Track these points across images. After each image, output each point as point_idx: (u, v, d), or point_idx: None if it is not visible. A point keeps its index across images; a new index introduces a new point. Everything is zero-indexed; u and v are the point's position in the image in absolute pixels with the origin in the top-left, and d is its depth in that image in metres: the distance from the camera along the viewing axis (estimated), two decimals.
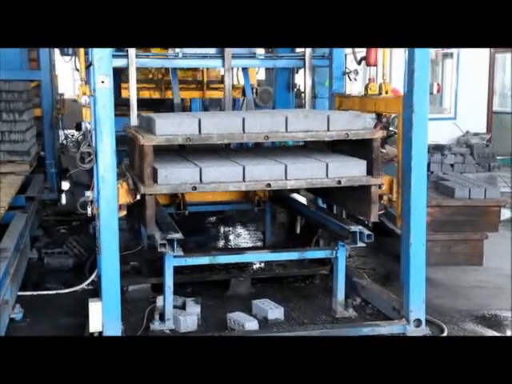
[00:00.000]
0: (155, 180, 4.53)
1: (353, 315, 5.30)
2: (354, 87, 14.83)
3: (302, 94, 6.86)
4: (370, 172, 4.79)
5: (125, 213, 4.72)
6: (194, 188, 4.54)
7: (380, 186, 4.88)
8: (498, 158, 11.10)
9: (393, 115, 8.08)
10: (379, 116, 5.73)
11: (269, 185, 4.66)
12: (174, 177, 4.54)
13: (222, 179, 4.59)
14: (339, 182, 4.74)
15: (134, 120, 5.57)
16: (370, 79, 5.70)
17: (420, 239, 4.85)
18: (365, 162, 4.81)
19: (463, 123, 13.29)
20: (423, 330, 4.91)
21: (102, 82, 4.38)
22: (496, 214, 6.81)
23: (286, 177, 4.67)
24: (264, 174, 4.66)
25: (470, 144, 11.22)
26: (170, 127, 4.58)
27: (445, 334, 5.04)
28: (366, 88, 5.68)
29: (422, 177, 4.82)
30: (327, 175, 4.74)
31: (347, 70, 6.13)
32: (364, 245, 4.98)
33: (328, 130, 4.79)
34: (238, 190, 4.94)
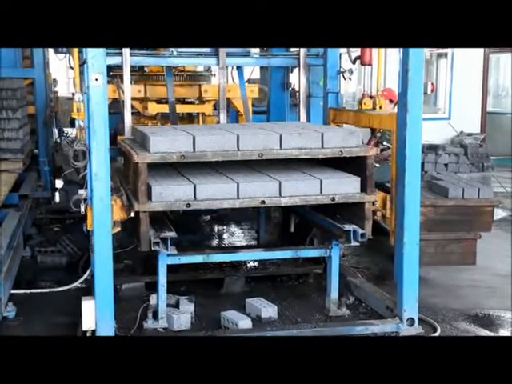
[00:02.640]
0: (149, 197, 4.52)
1: (346, 314, 5.32)
2: (349, 86, 14.91)
3: (297, 93, 6.86)
4: (363, 189, 4.81)
5: (118, 229, 4.70)
6: (189, 205, 4.55)
7: (374, 203, 4.90)
8: (492, 158, 11.12)
9: None
10: (373, 131, 5.73)
11: (263, 202, 4.68)
12: (169, 194, 4.54)
13: (216, 196, 4.60)
14: (333, 198, 4.76)
15: (127, 119, 5.56)
16: (363, 94, 5.71)
17: (413, 238, 4.86)
18: (359, 178, 4.83)
19: (457, 123, 13.30)
20: (416, 329, 4.93)
21: (96, 79, 4.37)
22: (489, 213, 6.82)
23: (280, 194, 4.69)
24: (258, 191, 4.66)
25: (464, 144, 11.23)
26: (165, 144, 4.57)
27: (438, 332, 5.05)
28: (360, 103, 5.69)
29: (415, 176, 4.83)
30: (321, 192, 4.76)
31: (342, 69, 6.14)
32: (358, 244, 4.97)
33: (322, 147, 4.80)
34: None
